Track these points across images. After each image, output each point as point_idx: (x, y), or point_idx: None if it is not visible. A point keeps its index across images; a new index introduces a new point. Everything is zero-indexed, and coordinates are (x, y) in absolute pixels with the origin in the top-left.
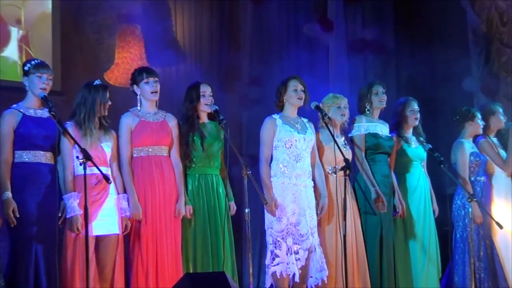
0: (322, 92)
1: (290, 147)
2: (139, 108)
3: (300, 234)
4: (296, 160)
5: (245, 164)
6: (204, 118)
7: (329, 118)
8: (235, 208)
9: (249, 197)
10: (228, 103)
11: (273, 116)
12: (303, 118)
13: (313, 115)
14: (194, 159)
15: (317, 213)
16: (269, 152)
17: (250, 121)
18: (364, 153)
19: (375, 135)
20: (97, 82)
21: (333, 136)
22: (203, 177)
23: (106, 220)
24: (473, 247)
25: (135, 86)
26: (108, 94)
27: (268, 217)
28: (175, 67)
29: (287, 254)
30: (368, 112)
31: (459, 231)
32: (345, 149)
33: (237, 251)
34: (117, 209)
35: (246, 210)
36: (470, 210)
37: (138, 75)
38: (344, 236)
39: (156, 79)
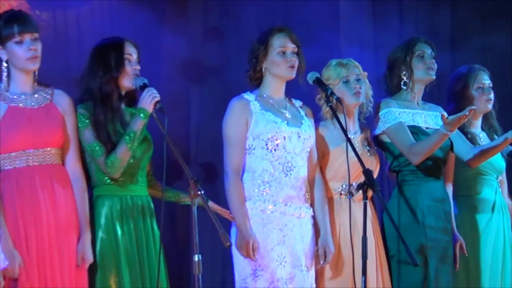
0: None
1: (275, 150)
2: (5, 85)
3: None
4: (285, 172)
5: (193, 178)
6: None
7: (338, 100)
8: None
9: (202, 234)
10: (165, 76)
11: (245, 96)
12: (294, 100)
13: (310, 97)
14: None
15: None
16: (239, 158)
17: (204, 106)
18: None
19: (415, 130)
20: None
21: (345, 132)
22: (123, 199)
23: None
24: None
25: None
26: None
27: (239, 269)
28: (74, 9)
29: None
30: (404, 90)
31: None
32: (366, 152)
33: None
34: None
35: (196, 258)
36: None
37: (3, 28)
38: None
39: (36, 35)
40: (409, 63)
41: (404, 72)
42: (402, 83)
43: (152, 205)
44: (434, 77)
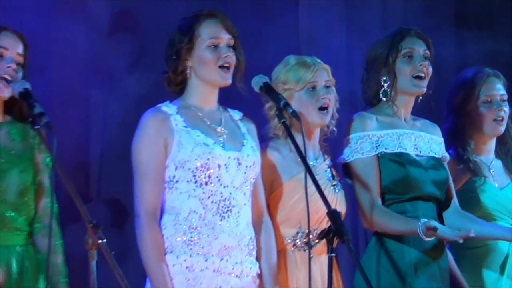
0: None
1: (207, 183)
2: None
3: None
4: (220, 214)
5: (93, 222)
6: None
7: (294, 114)
8: None
9: None
10: (57, 78)
11: (162, 108)
12: (232, 111)
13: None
14: None
15: None
16: (155, 194)
17: (111, 118)
18: (380, 198)
19: (401, 159)
20: None
21: (302, 157)
22: None
23: None
24: None
25: None
26: None
27: None
28: None
29: None
30: (384, 101)
31: None
32: (331, 187)
33: None
34: None
35: None
36: None
37: None
38: None
39: None
40: (392, 65)
41: (384, 78)
42: (381, 92)
43: (33, 260)
44: (424, 89)
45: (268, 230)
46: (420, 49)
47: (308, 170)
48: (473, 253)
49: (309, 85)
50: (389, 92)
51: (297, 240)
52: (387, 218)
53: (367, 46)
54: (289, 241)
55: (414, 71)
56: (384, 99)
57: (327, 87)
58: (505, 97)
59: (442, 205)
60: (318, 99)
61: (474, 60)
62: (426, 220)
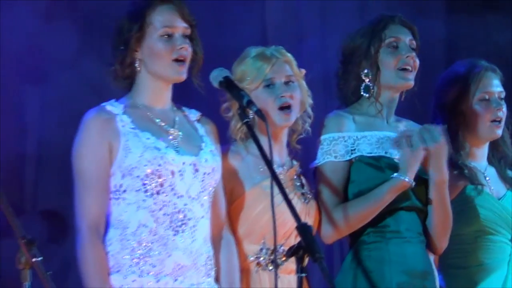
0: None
1: (158, 193)
2: None
3: None
4: (174, 228)
5: (26, 237)
6: None
7: (259, 113)
8: None
9: None
10: None
11: (107, 107)
12: (188, 111)
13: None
14: None
15: None
16: (99, 206)
17: (48, 118)
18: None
19: (381, 163)
20: None
21: (268, 162)
22: None
23: None
24: None
25: None
26: None
27: None
28: None
29: None
30: (365, 98)
31: None
32: (300, 197)
33: None
34: None
35: None
36: None
37: None
38: None
39: None
40: (374, 57)
41: (365, 71)
42: (362, 87)
43: None
44: (411, 82)
45: (230, 247)
46: (406, 38)
47: (274, 176)
48: (466, 272)
49: (266, 82)
50: (371, 87)
51: (261, 258)
52: (355, 204)
53: (344, 34)
54: (252, 259)
55: (399, 63)
56: (365, 95)
57: (289, 82)
58: (503, 95)
59: (425, 214)
60: (276, 98)
61: (466, 48)
62: (395, 174)
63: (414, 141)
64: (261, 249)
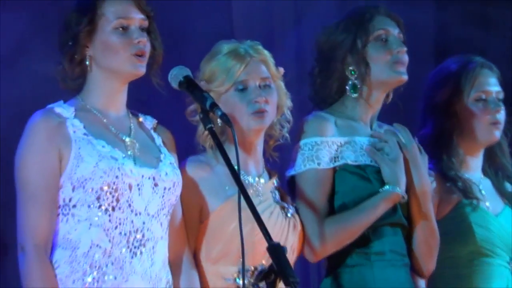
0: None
1: (114, 209)
2: None
3: None
4: (131, 249)
5: None
6: None
7: (225, 118)
8: None
9: None
10: None
11: (56, 109)
12: (143, 117)
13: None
14: None
15: None
16: (46, 222)
17: None
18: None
19: (363, 172)
20: None
21: (234, 173)
22: None
23: None
24: None
25: None
26: None
27: None
28: None
29: None
30: (352, 99)
31: None
32: (282, 214)
33: None
34: None
35: None
36: None
37: None
38: None
39: None
40: (362, 52)
41: (351, 68)
42: (348, 86)
43: None
44: (405, 77)
45: (189, 271)
46: (394, 31)
47: (242, 190)
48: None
49: (238, 85)
50: (360, 86)
51: (239, 280)
52: (345, 218)
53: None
54: (230, 282)
55: (392, 58)
56: (353, 95)
57: (264, 86)
58: (501, 95)
59: (411, 234)
60: (249, 103)
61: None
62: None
63: (388, 148)
64: (239, 271)
